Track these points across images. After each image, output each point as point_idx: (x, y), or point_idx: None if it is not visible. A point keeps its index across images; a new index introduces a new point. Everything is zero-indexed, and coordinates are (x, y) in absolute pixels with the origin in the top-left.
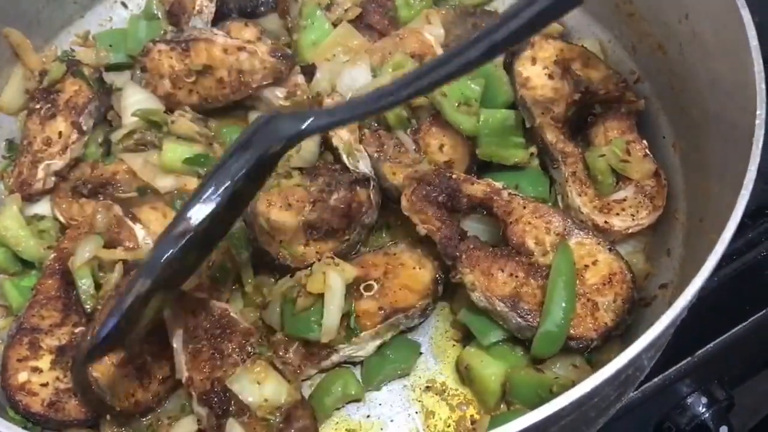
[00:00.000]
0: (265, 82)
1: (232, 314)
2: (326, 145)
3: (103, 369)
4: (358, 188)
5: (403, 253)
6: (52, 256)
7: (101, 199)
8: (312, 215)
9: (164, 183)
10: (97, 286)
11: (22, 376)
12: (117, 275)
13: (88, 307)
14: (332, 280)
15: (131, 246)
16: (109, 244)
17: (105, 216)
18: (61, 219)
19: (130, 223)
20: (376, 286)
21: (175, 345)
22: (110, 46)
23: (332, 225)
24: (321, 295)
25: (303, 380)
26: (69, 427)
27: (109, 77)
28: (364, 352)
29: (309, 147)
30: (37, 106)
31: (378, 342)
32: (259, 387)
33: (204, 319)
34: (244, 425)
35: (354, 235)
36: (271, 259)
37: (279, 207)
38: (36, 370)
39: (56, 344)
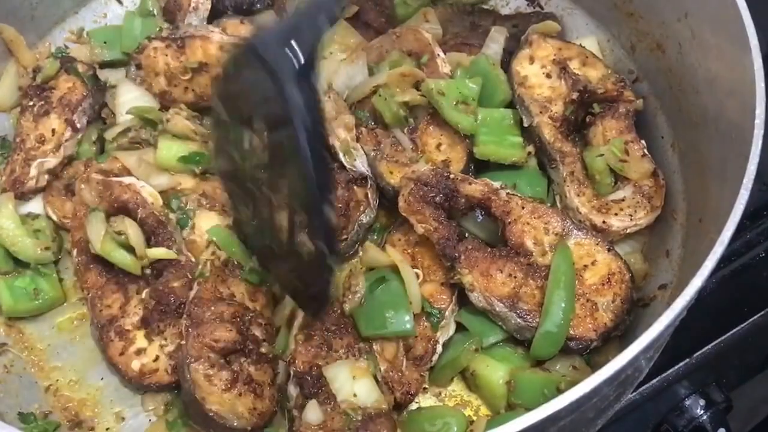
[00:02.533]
0: None
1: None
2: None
3: (216, 399)
4: (355, 187)
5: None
6: (75, 252)
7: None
8: None
9: (159, 181)
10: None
11: (135, 365)
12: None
13: (137, 271)
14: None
15: (134, 198)
16: (115, 210)
17: (90, 188)
18: (54, 217)
19: (116, 179)
20: (421, 271)
21: (294, 323)
22: (105, 42)
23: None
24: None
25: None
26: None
27: (104, 74)
28: (451, 332)
29: None
30: (30, 103)
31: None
32: (353, 381)
33: (325, 313)
34: (324, 411)
35: (352, 234)
36: None
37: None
38: (140, 352)
39: (137, 319)
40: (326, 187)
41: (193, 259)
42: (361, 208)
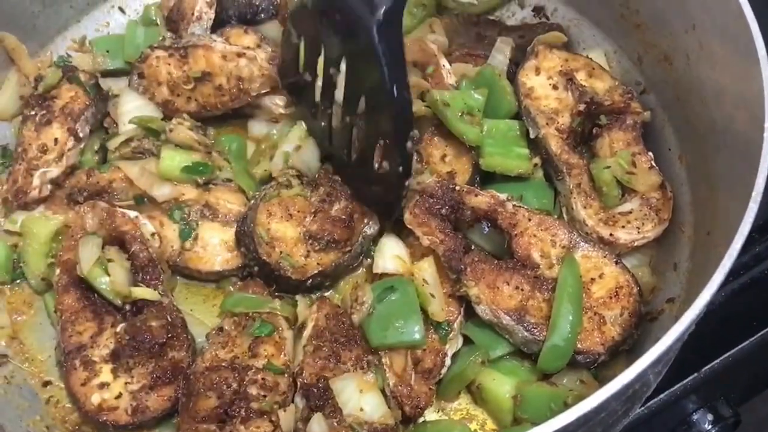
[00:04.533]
0: (263, 90)
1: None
2: (327, 156)
3: None
4: None
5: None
6: (58, 271)
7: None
8: (313, 225)
9: (161, 192)
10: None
11: (95, 398)
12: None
13: (117, 301)
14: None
15: (133, 231)
16: (112, 239)
17: (93, 215)
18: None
19: (120, 210)
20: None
21: (303, 333)
22: (107, 51)
23: (334, 236)
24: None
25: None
26: (161, 420)
27: (106, 83)
28: (459, 344)
29: (310, 152)
30: (32, 113)
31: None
32: (360, 395)
33: (335, 324)
34: (329, 425)
35: (356, 246)
36: (270, 271)
37: (280, 217)
38: (103, 386)
39: (107, 352)
40: (410, 124)
41: (174, 303)
42: (366, 220)
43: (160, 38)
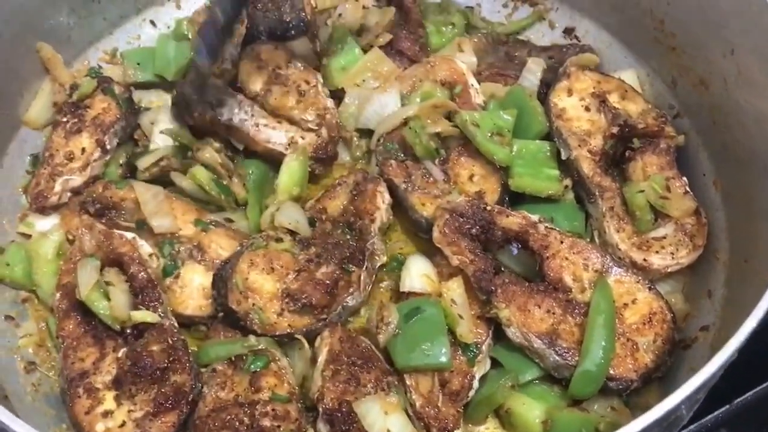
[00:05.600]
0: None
1: (377, 352)
2: (356, 213)
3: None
4: (350, 266)
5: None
6: (58, 295)
7: (104, 221)
8: (294, 284)
9: (162, 222)
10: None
11: (99, 427)
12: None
13: (116, 326)
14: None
15: (131, 252)
16: (110, 261)
17: (91, 237)
18: (64, 232)
19: (117, 232)
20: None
21: (319, 359)
22: (138, 64)
23: (312, 300)
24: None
25: None
26: None
27: (136, 95)
28: (487, 367)
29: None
30: (64, 119)
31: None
32: (386, 417)
33: (350, 347)
34: None
35: (333, 316)
36: (236, 320)
37: (261, 269)
38: (107, 414)
39: (109, 378)
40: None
41: (176, 325)
42: (350, 290)
43: (191, 53)
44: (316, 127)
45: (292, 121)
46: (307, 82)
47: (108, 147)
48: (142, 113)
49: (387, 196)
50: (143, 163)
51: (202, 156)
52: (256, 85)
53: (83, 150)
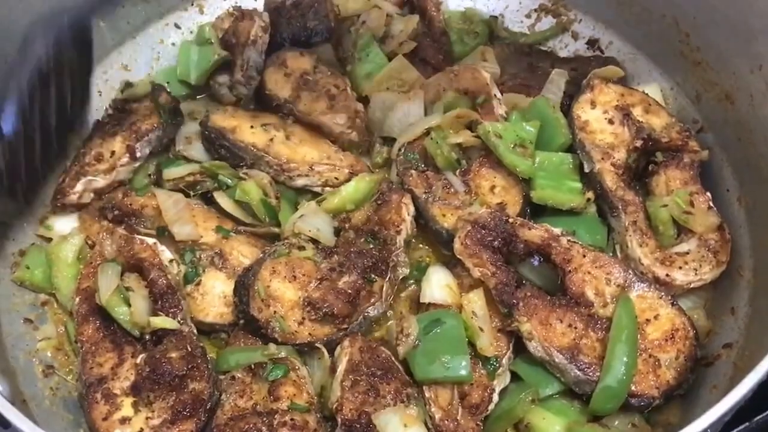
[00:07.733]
0: None
1: (396, 363)
2: (380, 223)
3: None
4: (373, 275)
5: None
6: (77, 300)
7: (123, 228)
8: (315, 293)
9: (183, 230)
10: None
11: None
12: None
13: (136, 332)
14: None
15: (151, 258)
16: (130, 267)
17: (112, 241)
18: (84, 236)
19: (138, 237)
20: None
21: (338, 369)
22: (167, 83)
23: (333, 309)
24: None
25: None
26: None
27: (188, 107)
28: (507, 381)
29: (316, 217)
30: (106, 119)
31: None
32: (405, 429)
33: (370, 358)
34: None
35: (354, 326)
36: (257, 327)
37: (283, 277)
38: (125, 421)
39: (128, 384)
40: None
41: (195, 331)
42: (372, 300)
43: (215, 56)
44: (348, 130)
45: (322, 130)
46: (337, 87)
47: (138, 155)
48: (184, 125)
49: (412, 208)
50: (171, 173)
51: (252, 173)
52: (285, 91)
53: (113, 153)
